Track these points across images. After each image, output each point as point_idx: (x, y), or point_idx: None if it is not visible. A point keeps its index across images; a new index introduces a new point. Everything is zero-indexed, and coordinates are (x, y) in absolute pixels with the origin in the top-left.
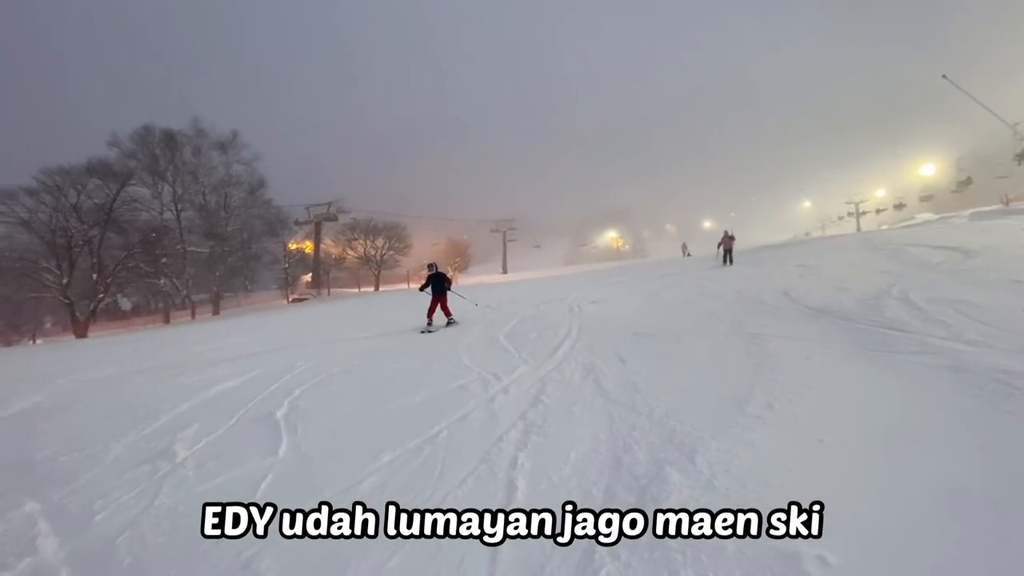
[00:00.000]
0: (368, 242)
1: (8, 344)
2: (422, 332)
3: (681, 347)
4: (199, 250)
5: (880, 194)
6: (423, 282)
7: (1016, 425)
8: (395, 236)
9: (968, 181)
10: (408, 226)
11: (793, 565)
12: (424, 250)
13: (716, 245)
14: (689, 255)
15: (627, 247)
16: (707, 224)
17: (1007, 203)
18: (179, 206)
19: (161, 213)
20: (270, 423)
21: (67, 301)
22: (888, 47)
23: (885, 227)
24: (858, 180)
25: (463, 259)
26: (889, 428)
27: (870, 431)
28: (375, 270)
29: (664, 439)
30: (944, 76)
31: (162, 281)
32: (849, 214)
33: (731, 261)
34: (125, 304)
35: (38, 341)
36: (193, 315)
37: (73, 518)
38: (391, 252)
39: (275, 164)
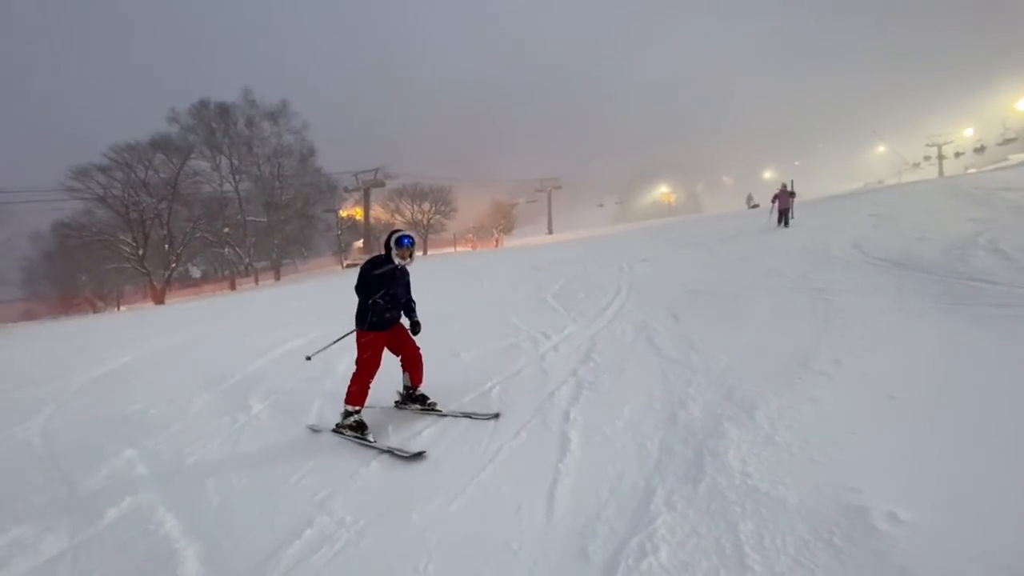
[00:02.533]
0: (415, 207)
1: (96, 311)
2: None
3: (740, 304)
4: (258, 219)
5: (968, 133)
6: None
7: None
8: (441, 200)
9: None
10: (454, 190)
11: (860, 520)
12: (471, 213)
13: (771, 200)
14: (756, 206)
15: (678, 202)
16: (767, 175)
17: None
18: (236, 177)
19: (221, 185)
20: (335, 379)
21: (144, 271)
22: None
23: (973, 170)
24: (940, 118)
25: (508, 221)
26: (968, 385)
27: (947, 388)
28: (423, 235)
29: (722, 395)
30: None
31: (226, 250)
32: (926, 158)
33: (787, 223)
34: (195, 272)
35: (122, 308)
36: (256, 281)
37: (167, 463)
38: (437, 216)
39: (323, 132)
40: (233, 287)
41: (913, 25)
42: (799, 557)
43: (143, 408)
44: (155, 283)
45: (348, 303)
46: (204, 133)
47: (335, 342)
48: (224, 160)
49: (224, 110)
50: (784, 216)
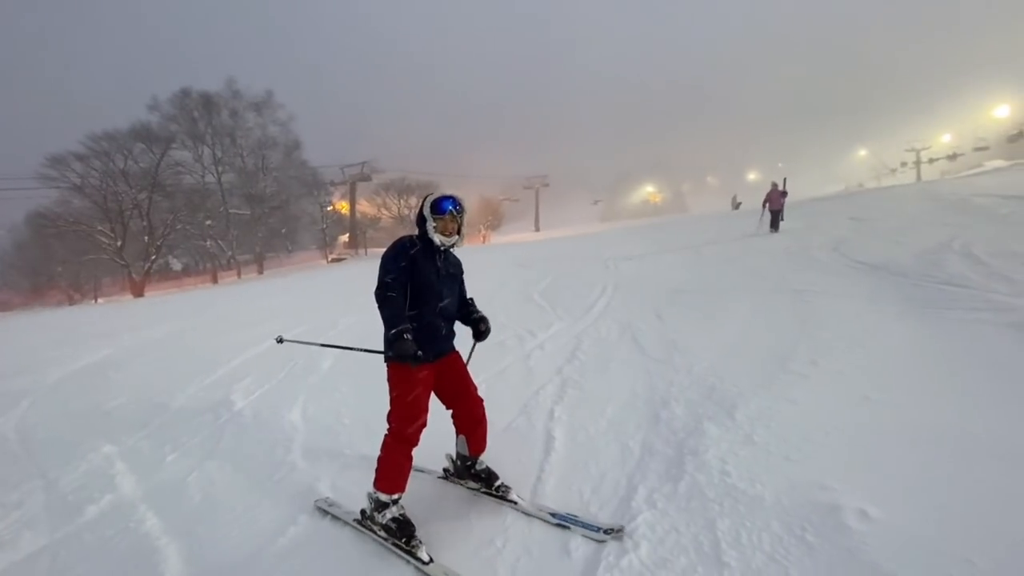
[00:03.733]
0: (402, 201)
1: (72, 303)
2: None
3: (722, 304)
4: (241, 212)
5: (946, 139)
6: None
7: None
8: (428, 195)
9: None
10: (442, 185)
11: (833, 517)
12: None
13: (762, 203)
14: (740, 204)
15: (664, 202)
16: (752, 176)
17: None
18: (219, 169)
19: (203, 176)
20: (319, 375)
21: (123, 263)
22: None
23: (949, 176)
24: (920, 124)
25: (495, 217)
26: (940, 387)
27: (920, 389)
28: (411, 230)
29: (703, 395)
30: None
31: (208, 243)
32: (903, 164)
33: (777, 227)
34: (176, 265)
35: (99, 300)
36: (239, 275)
37: (147, 460)
38: None
39: (309, 125)
40: (215, 280)
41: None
42: (774, 554)
43: (122, 403)
44: (134, 275)
45: (333, 298)
46: (186, 123)
47: (326, 346)
48: (207, 151)
49: (207, 100)
50: (776, 217)
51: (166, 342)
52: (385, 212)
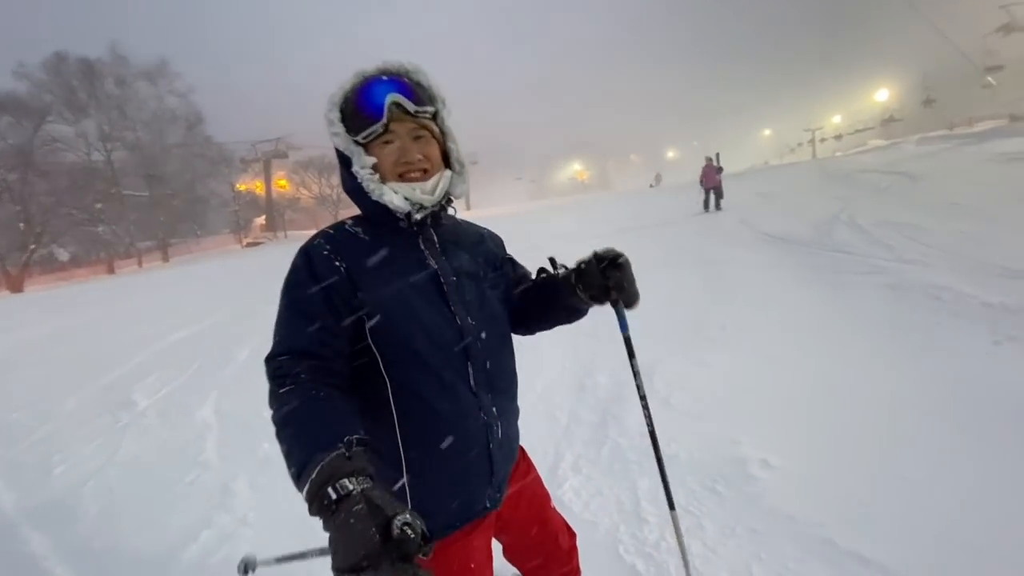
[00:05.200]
0: (323, 180)
1: None
2: None
3: (645, 277)
4: (138, 194)
5: (836, 120)
6: None
7: (940, 334)
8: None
9: (930, 101)
10: None
11: (740, 469)
12: None
13: (699, 180)
14: (660, 178)
15: (590, 179)
16: (671, 154)
17: (952, 128)
18: (108, 145)
19: (88, 154)
20: (235, 366)
21: None
22: None
23: (839, 154)
24: (817, 107)
25: None
26: (831, 344)
27: (815, 349)
28: (333, 210)
29: (625, 364)
30: None
31: (100, 229)
32: (799, 145)
33: (719, 206)
34: (62, 255)
35: None
36: (140, 263)
37: (31, 473)
38: None
39: (214, 97)
40: (111, 270)
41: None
42: (688, 506)
43: (0, 412)
44: (9, 268)
45: (249, 284)
46: (62, 92)
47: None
48: (91, 124)
49: (88, 66)
50: (714, 194)
51: (54, 340)
52: (305, 192)
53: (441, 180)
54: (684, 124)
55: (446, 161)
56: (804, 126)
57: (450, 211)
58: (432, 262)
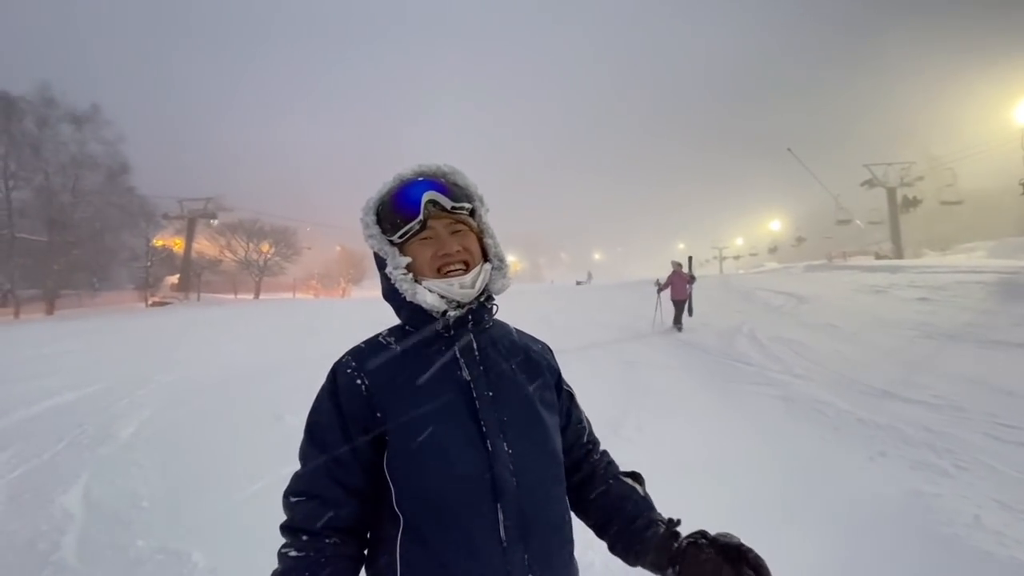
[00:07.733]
0: (250, 245)
1: None
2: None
3: (565, 371)
4: (34, 238)
5: (739, 242)
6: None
7: (825, 448)
8: (283, 241)
9: (802, 240)
10: (302, 232)
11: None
12: (319, 257)
13: (657, 289)
14: (580, 283)
15: (523, 271)
16: (597, 256)
17: (830, 259)
18: (10, 183)
19: None
20: (115, 444)
21: None
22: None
23: (741, 271)
24: (724, 228)
25: (357, 271)
26: (732, 451)
27: (715, 450)
28: (256, 276)
29: None
30: (789, 149)
31: None
32: (707, 261)
33: (681, 324)
34: None
35: None
36: (17, 314)
37: None
38: (277, 258)
39: (145, 148)
40: None
41: (710, 148)
42: None
43: None
44: None
45: (144, 348)
46: None
47: None
48: None
49: (7, 101)
50: (684, 306)
51: None
52: (229, 254)
53: (481, 274)
54: (611, 229)
55: (485, 257)
56: (712, 243)
57: (492, 309)
58: (466, 372)
